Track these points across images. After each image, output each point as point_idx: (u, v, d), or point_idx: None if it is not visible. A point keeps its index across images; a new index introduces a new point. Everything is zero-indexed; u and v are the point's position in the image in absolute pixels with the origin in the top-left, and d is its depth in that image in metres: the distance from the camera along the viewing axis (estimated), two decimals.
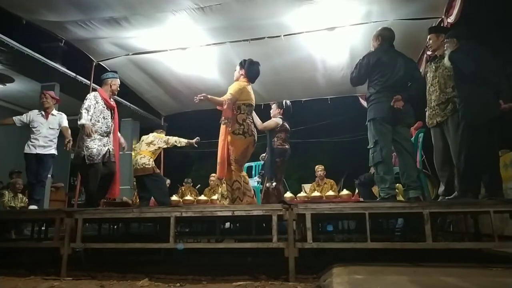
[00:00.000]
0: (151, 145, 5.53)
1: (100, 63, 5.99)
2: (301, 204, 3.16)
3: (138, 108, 11.33)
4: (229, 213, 3.19)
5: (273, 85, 6.46)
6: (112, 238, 5.28)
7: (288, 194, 5.22)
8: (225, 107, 3.70)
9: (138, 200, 6.03)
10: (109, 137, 4.20)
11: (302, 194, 5.78)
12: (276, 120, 5.08)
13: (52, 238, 3.85)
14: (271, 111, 5.29)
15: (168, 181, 7.34)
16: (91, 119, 4.01)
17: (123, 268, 3.29)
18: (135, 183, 7.19)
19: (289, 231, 2.89)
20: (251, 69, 3.89)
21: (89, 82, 6.29)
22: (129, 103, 11.02)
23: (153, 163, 5.48)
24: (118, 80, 4.35)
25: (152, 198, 5.52)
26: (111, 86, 4.24)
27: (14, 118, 5.06)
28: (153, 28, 4.99)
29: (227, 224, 6.73)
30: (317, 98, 7.14)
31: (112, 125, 4.23)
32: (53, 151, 5.06)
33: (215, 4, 4.44)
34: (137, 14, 4.68)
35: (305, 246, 2.89)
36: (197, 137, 5.64)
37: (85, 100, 4.08)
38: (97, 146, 4.01)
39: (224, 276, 2.99)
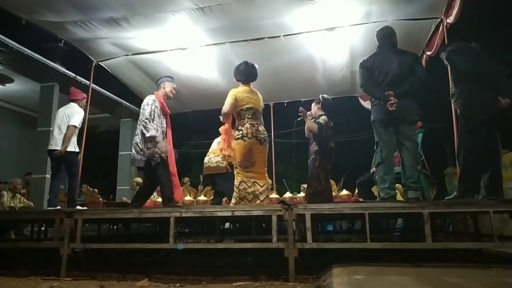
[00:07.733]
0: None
1: (100, 63, 5.98)
2: (300, 204, 3.16)
3: (138, 108, 11.30)
4: (229, 213, 3.19)
5: (273, 85, 6.45)
6: (111, 239, 5.28)
7: (288, 194, 5.22)
8: (226, 122, 3.76)
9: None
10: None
11: (302, 194, 5.77)
12: (323, 118, 4.35)
13: (52, 238, 3.85)
14: (311, 111, 4.68)
15: None
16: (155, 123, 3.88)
17: (123, 269, 3.29)
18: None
19: (289, 231, 2.89)
20: (239, 72, 3.91)
21: (88, 82, 6.29)
22: (129, 103, 11.03)
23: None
24: (172, 83, 4.20)
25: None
26: (164, 89, 4.13)
27: (73, 127, 4.68)
28: (153, 29, 4.99)
29: (227, 225, 6.73)
30: None
31: (165, 130, 4.06)
32: None
33: (214, 4, 4.43)
34: (137, 14, 4.67)
35: (305, 246, 2.89)
36: None
37: (145, 106, 3.93)
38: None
39: (224, 276, 2.99)
